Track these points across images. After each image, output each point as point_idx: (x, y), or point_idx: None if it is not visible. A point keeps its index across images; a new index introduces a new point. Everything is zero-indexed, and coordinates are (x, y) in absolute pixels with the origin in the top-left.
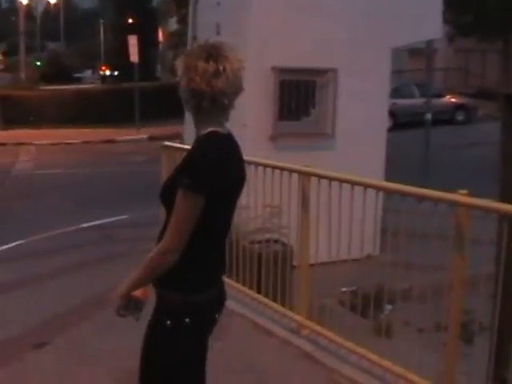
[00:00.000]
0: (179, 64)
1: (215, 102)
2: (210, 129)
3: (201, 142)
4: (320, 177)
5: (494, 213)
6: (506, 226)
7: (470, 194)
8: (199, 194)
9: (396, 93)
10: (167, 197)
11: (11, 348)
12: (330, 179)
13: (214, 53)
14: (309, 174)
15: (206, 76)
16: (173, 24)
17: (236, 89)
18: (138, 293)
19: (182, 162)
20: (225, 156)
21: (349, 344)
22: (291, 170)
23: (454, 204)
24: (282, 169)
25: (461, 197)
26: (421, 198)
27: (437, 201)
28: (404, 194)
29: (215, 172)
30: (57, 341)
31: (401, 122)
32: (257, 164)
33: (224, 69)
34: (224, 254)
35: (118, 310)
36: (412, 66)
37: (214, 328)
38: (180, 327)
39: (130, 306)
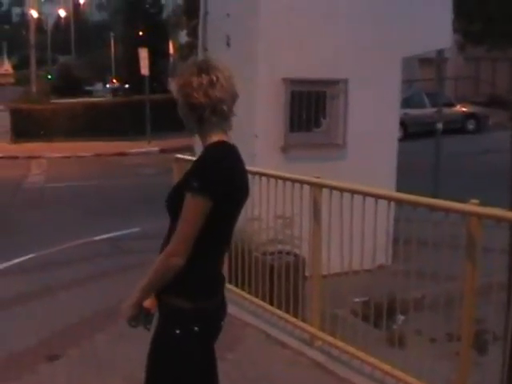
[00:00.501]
0: (174, 85)
1: (215, 110)
2: (215, 138)
3: (209, 149)
4: (331, 188)
5: (506, 222)
6: None
7: (481, 204)
8: (207, 197)
9: (407, 102)
10: (174, 202)
11: (24, 360)
12: (342, 190)
13: (204, 66)
14: (320, 186)
15: (202, 88)
16: (183, 36)
17: (232, 95)
18: (147, 304)
19: (191, 167)
20: (231, 163)
21: (361, 354)
22: (302, 182)
23: (465, 214)
24: (293, 180)
25: (472, 206)
26: (432, 208)
27: (448, 211)
28: (415, 205)
29: (223, 177)
30: (70, 352)
31: (411, 132)
32: (268, 176)
33: (217, 78)
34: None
35: (129, 321)
36: (422, 75)
37: (228, 340)
38: (189, 336)
39: (140, 316)
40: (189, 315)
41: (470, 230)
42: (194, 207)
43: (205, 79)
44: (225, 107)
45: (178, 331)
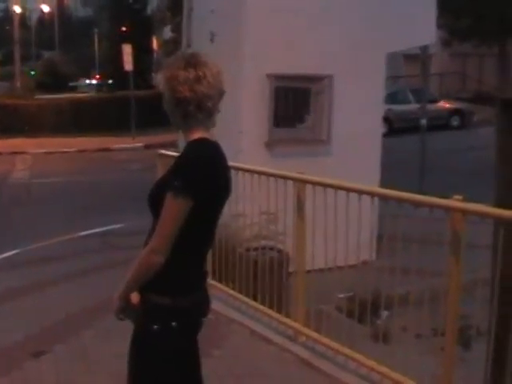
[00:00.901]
0: (160, 78)
1: (200, 106)
2: (197, 135)
3: (191, 147)
4: (314, 184)
5: (489, 218)
6: (501, 231)
7: (465, 199)
8: (188, 196)
9: (391, 98)
10: (156, 199)
11: (12, 356)
12: (325, 186)
13: (191, 61)
14: (303, 181)
15: (188, 83)
16: (167, 32)
17: (218, 91)
18: (134, 298)
19: (173, 165)
20: (214, 161)
21: (346, 350)
22: (286, 178)
23: (449, 209)
24: (276, 176)
25: (455, 202)
26: (416, 204)
27: (432, 206)
28: (399, 200)
29: (205, 176)
30: (57, 348)
31: (396, 127)
32: (252, 172)
33: (204, 74)
34: (206, 260)
35: (117, 313)
36: (407, 71)
37: (214, 336)
38: (167, 331)
39: (126, 309)
40: (168, 311)
41: (454, 226)
42: (175, 207)
43: (191, 74)
44: (210, 104)
45: (156, 327)
